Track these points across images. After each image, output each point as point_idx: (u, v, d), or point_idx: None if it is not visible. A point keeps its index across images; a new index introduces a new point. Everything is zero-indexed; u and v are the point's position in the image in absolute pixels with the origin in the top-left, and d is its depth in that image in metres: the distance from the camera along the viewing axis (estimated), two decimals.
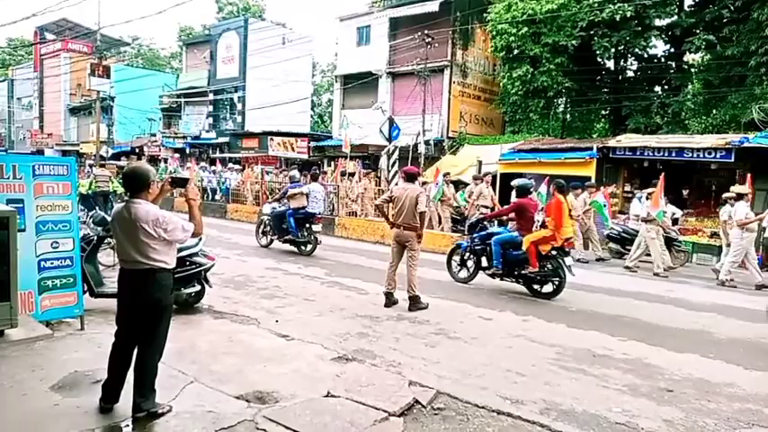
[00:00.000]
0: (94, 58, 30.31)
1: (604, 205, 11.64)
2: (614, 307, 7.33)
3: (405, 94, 21.95)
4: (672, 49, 20.34)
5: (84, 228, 6.17)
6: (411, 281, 6.73)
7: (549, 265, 7.67)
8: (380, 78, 23.60)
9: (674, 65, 20.35)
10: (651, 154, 13.71)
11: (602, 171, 14.27)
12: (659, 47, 20.86)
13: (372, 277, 8.42)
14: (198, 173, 21.14)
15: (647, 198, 10.27)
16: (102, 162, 17.43)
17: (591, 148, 14.30)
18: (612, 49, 19.13)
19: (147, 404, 3.46)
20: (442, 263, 9.04)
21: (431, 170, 17.32)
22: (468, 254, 8.56)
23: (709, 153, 12.77)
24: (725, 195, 10.25)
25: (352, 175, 17.11)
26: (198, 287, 6.25)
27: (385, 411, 3.74)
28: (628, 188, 14.69)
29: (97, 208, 11.73)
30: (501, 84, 20.92)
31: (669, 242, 10.86)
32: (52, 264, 4.99)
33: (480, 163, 15.72)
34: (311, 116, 37.78)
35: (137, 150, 32.49)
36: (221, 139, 30.53)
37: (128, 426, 3.40)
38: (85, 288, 5.56)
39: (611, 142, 14.61)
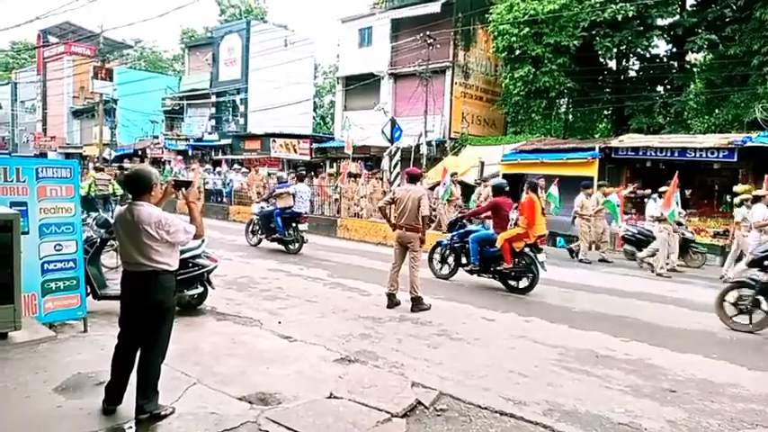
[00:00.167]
0: (97, 61, 30.47)
1: (617, 205, 11.60)
2: (617, 307, 7.31)
3: (407, 96, 21.95)
4: (674, 49, 20.33)
5: (87, 230, 6.18)
6: (413, 282, 6.73)
7: (523, 262, 7.98)
8: (382, 79, 23.61)
9: (676, 64, 20.33)
10: (654, 154, 13.68)
11: (604, 171, 14.24)
12: (661, 46, 20.87)
13: (374, 278, 8.42)
14: (203, 174, 21.18)
15: (660, 197, 10.20)
16: (101, 166, 17.50)
17: (593, 149, 14.28)
18: (614, 49, 19.13)
19: (150, 406, 3.46)
20: None
21: (434, 171, 17.34)
22: (448, 251, 8.87)
23: (712, 153, 12.73)
24: (741, 197, 10.08)
25: (358, 176, 17.12)
26: (201, 289, 6.27)
27: (387, 412, 3.74)
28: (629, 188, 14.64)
29: (101, 210, 11.77)
30: (503, 84, 20.92)
31: (686, 243, 10.73)
32: (55, 266, 5.01)
33: (482, 164, 15.69)
34: (313, 118, 37.81)
35: (139, 153, 32.57)
36: (224, 141, 30.58)
37: (131, 427, 3.41)
38: (88, 290, 5.57)
39: (614, 142, 14.58)
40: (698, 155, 12.91)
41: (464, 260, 8.62)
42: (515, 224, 8.14)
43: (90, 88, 30.41)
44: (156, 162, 29.76)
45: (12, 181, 4.73)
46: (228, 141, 30.33)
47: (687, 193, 13.97)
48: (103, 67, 29.04)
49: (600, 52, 18.99)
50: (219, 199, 20.37)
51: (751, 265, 6.57)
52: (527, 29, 18.42)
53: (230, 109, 31.35)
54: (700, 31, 17.67)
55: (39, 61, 41.76)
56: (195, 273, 6.07)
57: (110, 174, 15.98)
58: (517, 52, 19.08)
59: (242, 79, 30.04)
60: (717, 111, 17.78)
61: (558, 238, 13.23)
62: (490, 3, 20.22)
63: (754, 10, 15.69)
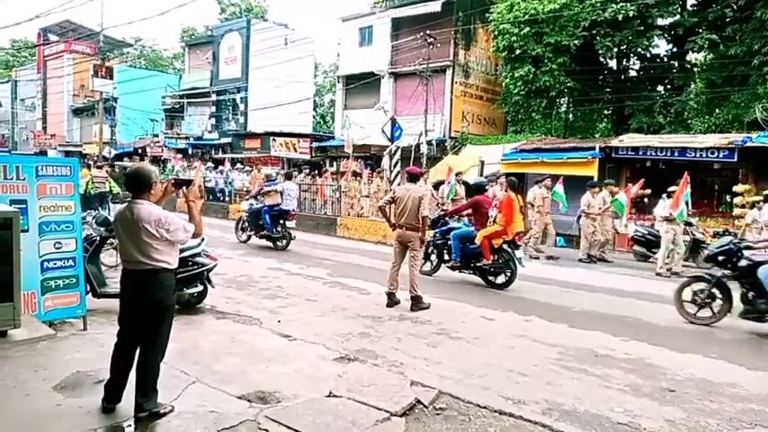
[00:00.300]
0: (97, 60, 30.45)
1: (625, 204, 11.58)
2: (616, 307, 7.31)
3: (407, 95, 21.95)
4: (674, 49, 20.32)
5: (87, 228, 6.18)
6: (413, 281, 6.73)
7: (502, 258, 8.23)
8: (383, 79, 23.60)
9: (676, 64, 20.32)
10: (654, 154, 13.68)
11: (604, 171, 14.24)
12: (662, 46, 20.86)
13: (374, 277, 8.42)
14: (204, 173, 21.18)
15: (669, 197, 10.17)
16: (100, 164, 17.51)
17: (593, 148, 14.27)
18: (615, 49, 19.12)
19: (150, 404, 3.47)
20: None
21: (434, 170, 17.33)
22: (431, 248, 9.00)
23: (712, 153, 12.72)
24: (753, 198, 10.04)
25: (360, 175, 17.12)
26: (200, 287, 6.27)
27: (387, 411, 3.75)
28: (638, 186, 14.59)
29: (101, 208, 11.80)
30: (503, 84, 20.91)
31: (696, 244, 10.68)
32: (55, 264, 5.01)
33: (482, 163, 15.70)
34: (313, 117, 37.80)
35: (139, 151, 32.55)
36: (224, 140, 30.57)
37: (130, 426, 3.41)
38: (88, 288, 5.57)
39: (614, 142, 14.58)
40: (698, 155, 12.90)
41: (446, 257, 8.80)
42: (494, 221, 8.43)
43: (90, 86, 30.38)
44: (156, 160, 29.75)
45: (12, 179, 4.73)
46: (228, 140, 30.33)
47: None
48: (104, 65, 29.01)
49: (600, 52, 18.97)
50: (222, 197, 20.36)
51: (707, 260, 6.90)
52: (527, 28, 18.42)
53: (230, 107, 31.35)
54: (700, 30, 17.66)
55: (39, 59, 41.73)
56: (195, 271, 6.08)
57: (106, 171, 16.02)
58: (517, 52, 19.07)
59: (242, 78, 30.03)
60: (717, 111, 17.77)
61: (557, 238, 13.22)
62: (491, 2, 20.20)
63: (754, 10, 15.68)
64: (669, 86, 20.51)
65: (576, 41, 18.02)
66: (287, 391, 4.03)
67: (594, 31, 18.07)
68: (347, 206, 15.57)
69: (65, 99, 39.40)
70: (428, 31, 20.09)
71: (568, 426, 3.67)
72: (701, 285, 6.63)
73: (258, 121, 29.01)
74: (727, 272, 6.42)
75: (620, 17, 17.14)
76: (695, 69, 20.15)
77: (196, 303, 6.34)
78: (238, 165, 23.84)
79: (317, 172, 20.78)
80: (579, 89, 19.78)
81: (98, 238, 6.09)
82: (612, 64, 21.43)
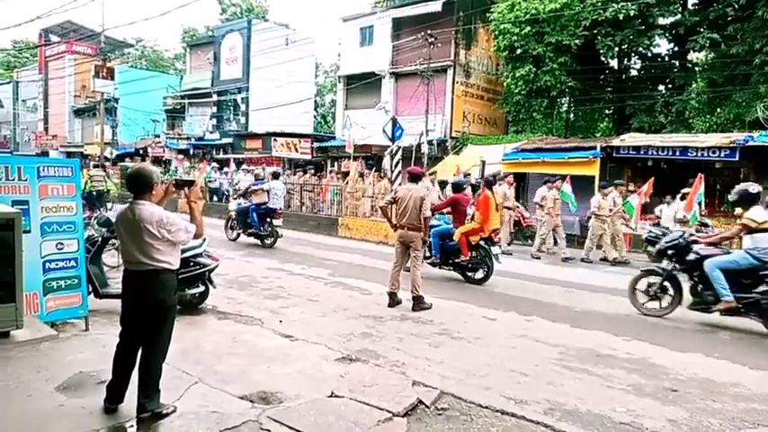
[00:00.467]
0: (99, 60, 30.49)
1: (634, 207, 11.55)
2: (618, 306, 7.30)
3: (408, 95, 21.94)
4: (676, 48, 20.28)
5: (89, 229, 6.19)
6: (414, 281, 6.73)
7: (479, 254, 8.50)
8: (383, 78, 23.59)
9: (677, 63, 20.28)
10: (655, 153, 13.66)
11: (605, 170, 14.22)
12: (663, 46, 20.83)
13: (376, 277, 8.43)
14: (209, 173, 21.20)
15: (682, 199, 10.09)
16: (96, 163, 17.61)
17: (594, 148, 14.25)
18: (616, 49, 19.09)
19: (152, 405, 3.47)
20: None
21: (438, 169, 17.29)
22: None
23: (714, 152, 12.71)
24: None
25: (362, 175, 17.10)
26: (202, 288, 6.27)
27: (389, 411, 3.75)
28: (632, 188, 14.61)
29: (102, 209, 11.86)
30: (504, 83, 20.88)
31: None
32: (57, 265, 5.02)
33: (484, 163, 15.67)
34: (314, 117, 37.79)
35: (141, 151, 32.60)
36: (225, 140, 30.58)
37: (132, 426, 3.42)
38: (90, 289, 5.58)
39: (615, 141, 14.56)
40: (699, 154, 12.89)
41: (427, 253, 8.88)
42: (472, 219, 8.67)
43: (91, 87, 30.45)
44: (158, 161, 29.78)
45: (13, 180, 4.74)
46: (230, 140, 30.34)
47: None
48: (105, 65, 29.05)
49: (601, 51, 18.95)
50: (226, 197, 20.32)
51: (658, 254, 7.20)
52: (528, 28, 18.39)
53: (231, 108, 31.37)
54: (701, 29, 17.62)
55: (40, 60, 41.79)
56: (196, 272, 6.08)
57: (104, 171, 16.16)
58: (518, 51, 19.04)
59: (243, 78, 30.04)
60: (718, 110, 17.73)
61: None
62: (491, 2, 20.17)
63: (756, 9, 15.64)
64: (670, 86, 20.47)
65: (576, 41, 17.99)
66: (289, 391, 4.03)
67: (595, 31, 18.04)
68: (353, 207, 15.45)
69: (66, 100, 39.45)
70: (429, 31, 20.07)
71: (570, 426, 3.67)
72: (654, 278, 6.96)
73: (259, 122, 29.03)
74: (677, 265, 6.73)
75: (620, 16, 17.10)
76: (696, 68, 20.10)
77: (198, 304, 6.34)
78: (244, 165, 23.86)
79: (322, 173, 20.79)
80: (580, 89, 19.75)
81: (100, 239, 6.09)
82: (613, 63, 21.40)
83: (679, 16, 18.77)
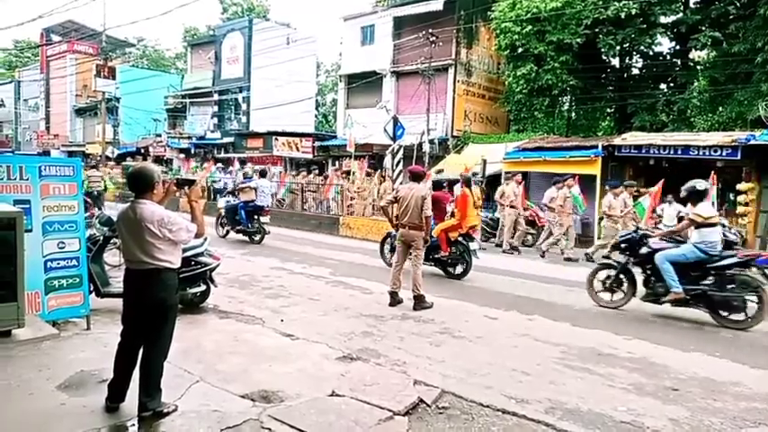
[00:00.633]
0: (100, 60, 30.53)
1: (646, 209, 11.53)
2: None
3: (409, 94, 21.93)
4: (677, 47, 20.24)
5: (91, 228, 6.20)
6: (416, 280, 6.73)
7: (458, 250, 8.81)
8: (385, 78, 23.58)
9: (679, 62, 20.25)
10: (657, 152, 13.65)
11: (607, 169, 14.21)
12: (664, 44, 20.77)
13: (377, 276, 8.44)
14: (214, 173, 21.21)
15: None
16: (94, 163, 17.66)
17: (596, 147, 14.24)
18: (617, 47, 19.04)
19: (153, 403, 3.47)
20: None
21: (435, 169, 17.29)
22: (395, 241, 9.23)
23: (715, 151, 12.69)
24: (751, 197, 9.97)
25: (369, 175, 17.08)
26: (203, 287, 6.28)
27: (390, 410, 3.75)
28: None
29: (104, 209, 11.87)
30: (505, 82, 20.87)
31: (728, 246, 10.57)
32: (59, 264, 5.03)
33: (485, 162, 15.66)
34: (315, 116, 37.78)
35: (142, 151, 32.62)
36: (226, 140, 30.59)
37: (134, 425, 3.42)
38: (92, 288, 5.59)
39: (617, 140, 14.55)
40: (701, 153, 12.88)
41: None
42: (451, 216, 8.95)
43: (93, 86, 30.47)
44: (159, 160, 29.79)
45: (15, 179, 4.75)
46: (231, 140, 30.35)
47: None
48: (106, 65, 29.08)
49: (603, 50, 18.90)
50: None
51: (613, 248, 7.45)
52: (529, 27, 18.37)
53: (232, 107, 31.38)
54: (703, 28, 17.58)
55: (42, 60, 41.84)
56: (198, 271, 6.09)
57: (102, 171, 16.21)
58: (520, 50, 19.02)
59: (244, 77, 30.04)
60: (720, 108, 17.70)
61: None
62: (492, 0, 20.16)
63: (758, 7, 15.59)
64: (672, 84, 20.43)
65: (578, 40, 17.96)
66: (290, 390, 4.03)
67: (597, 29, 18.01)
68: (361, 207, 15.40)
69: (68, 99, 39.48)
70: (430, 30, 20.06)
71: (571, 425, 3.67)
72: (609, 272, 7.21)
73: (260, 121, 29.03)
74: (631, 259, 6.98)
75: (622, 15, 17.06)
76: (698, 67, 20.07)
77: (199, 303, 6.35)
78: (248, 165, 23.83)
79: (324, 172, 20.75)
80: (582, 87, 19.72)
81: (101, 238, 6.09)
82: (615, 62, 21.36)
83: (681, 15, 18.72)
